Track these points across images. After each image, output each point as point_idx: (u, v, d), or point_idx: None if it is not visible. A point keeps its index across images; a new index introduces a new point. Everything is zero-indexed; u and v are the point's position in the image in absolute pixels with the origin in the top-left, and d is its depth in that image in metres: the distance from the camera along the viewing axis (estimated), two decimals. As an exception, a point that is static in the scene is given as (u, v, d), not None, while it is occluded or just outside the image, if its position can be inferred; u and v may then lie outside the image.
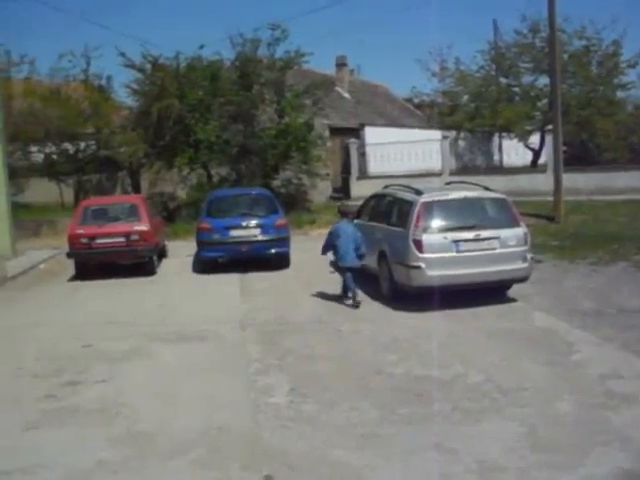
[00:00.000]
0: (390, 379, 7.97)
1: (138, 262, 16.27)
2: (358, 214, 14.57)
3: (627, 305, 10.96)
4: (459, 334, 9.76)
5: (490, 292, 11.62)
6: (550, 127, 25.15)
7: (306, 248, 18.81)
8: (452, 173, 27.92)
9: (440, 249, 10.94)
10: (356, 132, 31.21)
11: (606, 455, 5.78)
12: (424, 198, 11.41)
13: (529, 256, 11.38)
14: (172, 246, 19.74)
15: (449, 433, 6.31)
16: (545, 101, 29.81)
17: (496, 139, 35.17)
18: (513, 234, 11.21)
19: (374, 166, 28.82)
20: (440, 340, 9.47)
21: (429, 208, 11.26)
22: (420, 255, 10.92)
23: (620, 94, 32.46)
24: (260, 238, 15.95)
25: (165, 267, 17.41)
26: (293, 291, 13.64)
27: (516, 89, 32.73)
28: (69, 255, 16.24)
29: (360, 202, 15.50)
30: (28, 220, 26.24)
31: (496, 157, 35.49)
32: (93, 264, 16.42)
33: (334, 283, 13.90)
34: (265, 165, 26.96)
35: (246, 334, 10.48)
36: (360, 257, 12.11)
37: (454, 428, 6.45)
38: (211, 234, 15.98)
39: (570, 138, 29.88)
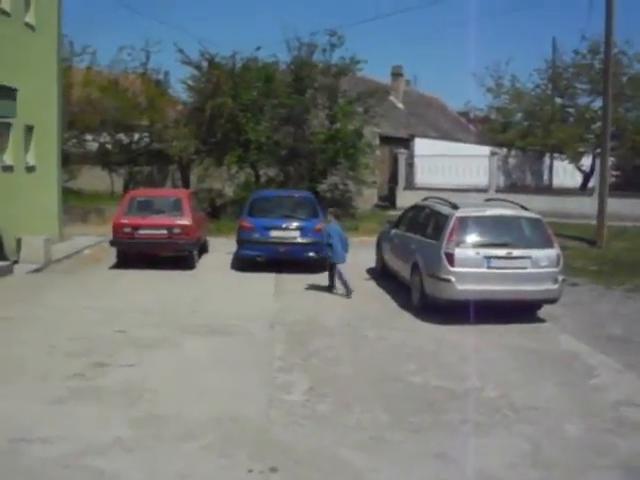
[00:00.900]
0: (406, 387, 8.12)
1: (178, 255, 16.62)
2: (396, 224, 14.74)
3: (656, 335, 10.92)
4: (482, 349, 9.84)
5: (520, 311, 11.70)
6: (601, 150, 24.91)
7: (346, 254, 19.08)
8: (499, 190, 27.85)
9: (471, 264, 11.04)
10: (406, 142, 31.31)
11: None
12: (460, 212, 11.52)
13: (560, 278, 11.39)
14: (215, 242, 20.07)
15: (454, 444, 6.45)
16: (599, 124, 29.53)
17: (547, 159, 34.91)
18: (545, 255, 11.25)
19: (421, 177, 28.90)
20: (462, 353, 9.60)
21: (464, 223, 11.36)
22: (451, 269, 11.03)
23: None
24: (299, 240, 16.17)
25: (205, 262, 17.73)
26: (326, 295, 13.79)
27: (571, 110, 32.53)
28: (112, 243, 16.68)
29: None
30: (78, 206, 26.89)
31: (546, 177, 35.22)
32: (134, 253, 16.81)
33: (368, 289, 14.23)
34: (313, 169, 27.22)
35: (274, 332, 10.70)
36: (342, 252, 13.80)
37: (460, 439, 6.58)
38: (251, 233, 16.24)
39: (624, 163, 29.60)
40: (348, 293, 13.44)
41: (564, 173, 31.48)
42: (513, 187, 32.19)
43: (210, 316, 11.57)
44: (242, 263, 16.64)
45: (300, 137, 26.69)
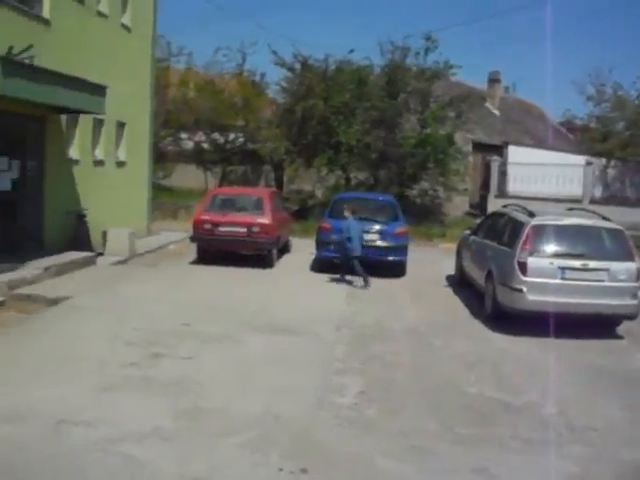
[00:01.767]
0: (461, 397, 7.86)
1: (258, 254, 16.74)
2: (475, 231, 14.42)
3: None
4: (549, 363, 9.43)
5: (598, 327, 11.21)
6: None
7: (428, 260, 18.94)
8: (594, 201, 26.86)
9: (544, 274, 10.64)
10: (500, 149, 30.63)
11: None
12: (535, 221, 11.13)
13: (640, 293, 10.85)
14: (298, 243, 20.16)
15: (499, 460, 6.17)
16: None
17: (649, 171, 33.42)
18: (624, 268, 10.72)
19: (513, 186, 28.14)
20: (527, 366, 9.26)
21: (539, 231, 10.98)
22: (523, 278, 10.67)
23: None
24: (378, 244, 16.01)
25: (284, 262, 17.82)
26: (400, 300, 13.62)
27: (676, 120, 31.13)
28: (192, 239, 16.96)
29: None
30: (169, 202, 27.55)
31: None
32: (214, 250, 17.04)
33: (443, 296, 14.00)
34: (402, 173, 27.01)
35: (339, 335, 10.60)
36: (363, 248, 14.89)
37: (506, 456, 6.29)
38: (330, 234, 16.17)
39: None
40: (366, 284, 14.59)
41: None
42: (611, 199, 30.93)
43: (278, 315, 11.56)
44: (320, 265, 16.63)
45: (391, 141, 26.52)
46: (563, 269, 10.61)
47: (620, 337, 11.16)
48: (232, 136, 33.94)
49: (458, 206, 28.83)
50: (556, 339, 10.41)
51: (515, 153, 29.17)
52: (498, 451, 6.38)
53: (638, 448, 6.70)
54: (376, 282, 15.32)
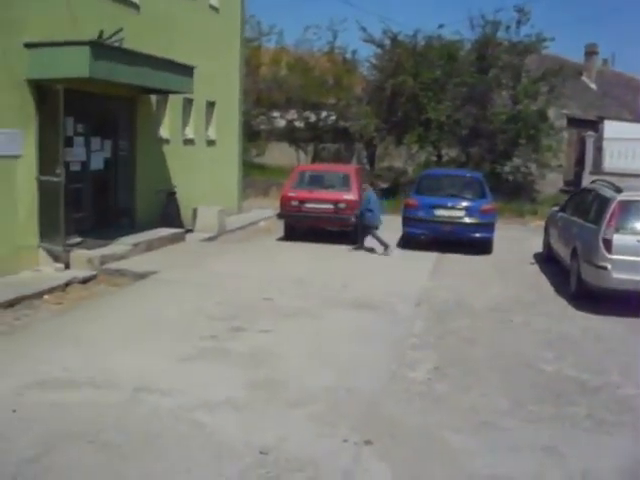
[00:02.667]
0: (537, 375, 7.74)
1: (344, 230, 16.82)
2: (563, 207, 14.09)
3: None
4: (631, 343, 9.19)
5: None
6: None
7: (517, 237, 18.68)
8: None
9: (630, 252, 10.28)
10: (596, 125, 29.61)
11: None
12: (622, 196, 10.77)
13: None
14: (388, 219, 20.05)
15: (569, 438, 6.05)
16: None
17: None
18: None
19: (609, 162, 27.12)
20: (608, 346, 9.01)
21: (626, 207, 10.62)
22: (608, 255, 10.36)
23: None
24: (465, 221, 15.88)
25: (370, 238, 17.81)
26: (484, 277, 13.45)
27: None
28: (279, 216, 17.18)
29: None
30: (261, 180, 27.96)
31: None
32: (301, 227, 17.23)
33: (529, 274, 13.82)
34: (494, 150, 26.53)
35: (419, 310, 10.60)
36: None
37: (577, 435, 6.16)
38: (417, 211, 16.17)
39: None
40: (386, 249, 15.46)
41: None
42: None
43: (359, 291, 11.63)
44: (406, 241, 16.62)
45: (481, 117, 26.08)
46: (650, 246, 10.26)
47: None
48: (324, 114, 34.03)
49: (552, 183, 28.07)
50: (641, 319, 10.15)
51: (612, 128, 28.10)
52: (570, 430, 6.26)
53: None
54: (461, 259, 15.26)
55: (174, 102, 17.16)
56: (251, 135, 31.10)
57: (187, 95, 16.92)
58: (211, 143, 19.87)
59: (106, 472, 5.18)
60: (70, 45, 11.49)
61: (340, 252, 15.67)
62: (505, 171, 27.23)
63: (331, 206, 16.40)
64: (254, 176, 27.89)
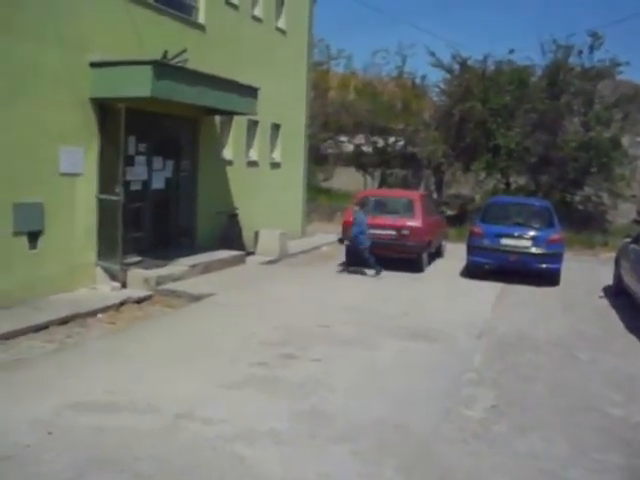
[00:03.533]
0: (603, 419, 7.21)
1: (407, 257, 16.44)
2: (635, 239, 13.47)
3: None
4: None
5: None
6: None
7: (587, 269, 18.09)
8: None
9: None
10: (674, 154, 28.61)
11: None
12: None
13: None
14: (453, 248, 19.70)
15: (636, 491, 5.60)
16: None
17: None
18: None
19: (688, 192, 26.26)
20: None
21: None
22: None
23: None
24: (531, 250, 15.36)
25: (435, 267, 17.48)
26: (549, 310, 12.92)
27: None
28: (340, 241, 16.91)
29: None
30: (326, 205, 27.82)
31: None
32: (362, 252, 16.92)
33: (597, 308, 13.27)
34: (564, 178, 25.83)
35: (479, 343, 10.16)
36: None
37: (645, 487, 5.70)
38: (481, 239, 15.75)
39: None
40: (378, 272, 15.28)
41: None
42: None
43: (419, 320, 11.26)
44: (471, 270, 16.18)
45: (551, 144, 25.42)
46: None
47: None
48: (392, 139, 33.79)
49: (624, 214, 27.14)
50: None
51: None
52: (636, 482, 5.79)
53: None
54: (527, 290, 14.76)
55: (239, 123, 17.14)
56: (319, 159, 31.03)
57: (252, 117, 16.88)
58: (275, 166, 19.80)
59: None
60: (133, 65, 11.54)
61: (401, 279, 15.31)
62: (575, 200, 26.54)
63: (394, 232, 16.06)
64: (320, 200, 27.79)
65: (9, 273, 10.27)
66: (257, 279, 14.25)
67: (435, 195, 30.93)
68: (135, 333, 9.75)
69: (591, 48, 25.13)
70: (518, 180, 27.46)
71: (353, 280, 15.01)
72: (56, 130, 11.08)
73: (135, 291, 11.86)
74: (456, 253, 18.82)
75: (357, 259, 15.61)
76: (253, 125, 18.05)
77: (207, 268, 14.08)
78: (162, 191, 14.53)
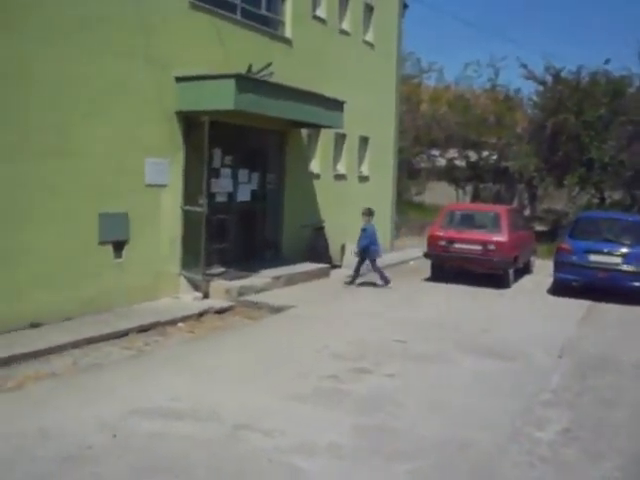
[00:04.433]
0: (684, 447, 6.92)
1: (493, 273, 16.19)
2: None
3: None
4: None
5: None
6: None
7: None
8: None
9: None
10: None
11: None
12: None
13: None
14: (544, 264, 19.25)
15: None
16: None
17: None
18: None
19: None
20: None
21: None
22: None
23: None
24: (622, 268, 14.82)
25: (522, 283, 17.13)
26: (638, 331, 12.45)
27: None
28: (426, 255, 16.78)
29: None
30: (416, 219, 27.68)
31: None
32: (448, 267, 16.76)
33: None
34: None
35: (559, 363, 9.88)
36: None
37: None
38: (569, 255, 15.33)
39: None
40: (387, 283, 15.19)
41: None
42: None
43: (498, 337, 11.08)
44: (558, 287, 15.75)
45: (648, 158, 24.53)
46: None
47: None
48: (485, 153, 33.37)
49: None
50: None
51: None
52: None
53: None
54: (615, 309, 14.26)
55: (326, 137, 17.28)
56: (412, 173, 30.91)
57: (340, 130, 16.99)
58: (364, 179, 19.84)
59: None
60: (216, 78, 11.84)
61: (486, 295, 15.07)
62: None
63: (479, 247, 15.84)
64: (411, 214, 27.67)
65: (95, 281, 10.67)
66: (339, 292, 14.32)
67: (528, 210, 30.33)
68: (211, 342, 9.96)
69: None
70: (613, 195, 26.62)
71: (435, 295, 14.85)
72: (143, 143, 11.49)
73: (217, 301, 12.11)
74: (546, 270, 18.36)
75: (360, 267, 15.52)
76: (341, 138, 18.16)
77: (290, 280, 14.22)
78: (248, 203, 14.79)
